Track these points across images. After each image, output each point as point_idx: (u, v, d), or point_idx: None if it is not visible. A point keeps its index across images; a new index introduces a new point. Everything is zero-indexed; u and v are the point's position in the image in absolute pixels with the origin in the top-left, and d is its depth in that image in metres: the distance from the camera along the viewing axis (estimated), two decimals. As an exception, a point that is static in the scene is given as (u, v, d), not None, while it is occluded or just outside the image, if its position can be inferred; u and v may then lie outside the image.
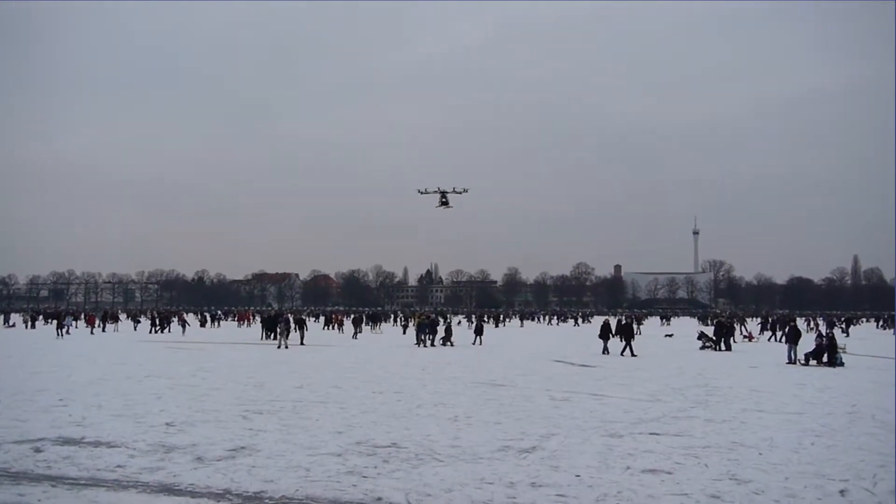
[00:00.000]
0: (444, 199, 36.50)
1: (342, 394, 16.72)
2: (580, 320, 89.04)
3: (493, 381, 19.56)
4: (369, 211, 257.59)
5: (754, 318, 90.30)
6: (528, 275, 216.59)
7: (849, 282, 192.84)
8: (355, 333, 52.32)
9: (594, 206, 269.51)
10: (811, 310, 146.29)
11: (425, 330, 35.00)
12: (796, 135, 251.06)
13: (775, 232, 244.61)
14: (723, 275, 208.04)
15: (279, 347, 32.70)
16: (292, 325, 37.17)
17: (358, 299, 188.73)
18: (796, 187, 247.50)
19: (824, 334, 27.07)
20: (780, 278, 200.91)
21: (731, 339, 34.94)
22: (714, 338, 34.53)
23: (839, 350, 26.05)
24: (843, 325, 60.67)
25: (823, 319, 79.76)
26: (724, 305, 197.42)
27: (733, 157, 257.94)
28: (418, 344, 34.64)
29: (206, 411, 13.88)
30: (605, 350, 29.69)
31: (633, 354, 28.45)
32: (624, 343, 29.52)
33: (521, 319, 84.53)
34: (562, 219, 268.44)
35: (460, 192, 36.66)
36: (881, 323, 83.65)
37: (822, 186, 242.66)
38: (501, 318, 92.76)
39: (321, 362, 25.96)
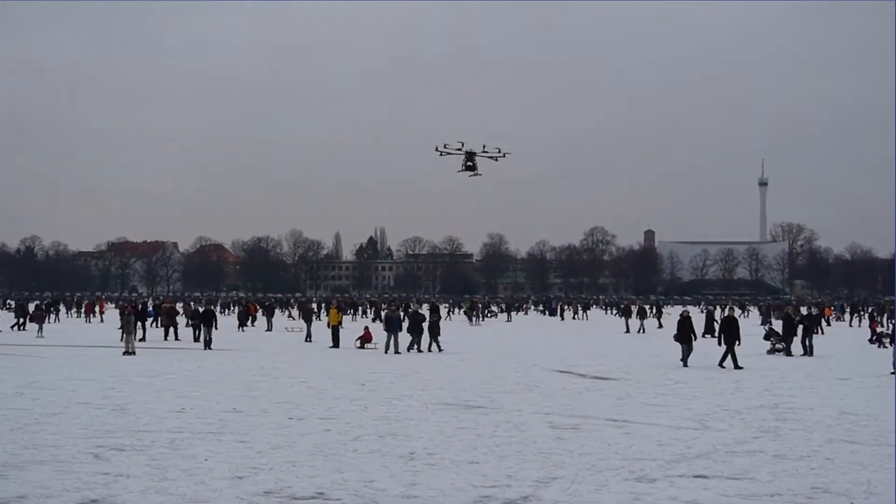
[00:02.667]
0: (470, 163, 38.24)
1: (244, 421, 16.73)
2: (599, 309, 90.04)
3: (468, 402, 19.74)
4: (290, 162, 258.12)
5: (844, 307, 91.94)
6: (519, 246, 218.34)
7: None
8: (269, 326, 53.11)
9: (611, 146, 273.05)
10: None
11: (395, 327, 35.19)
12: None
13: (878, 185, 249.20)
14: (802, 245, 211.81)
15: (126, 353, 32.41)
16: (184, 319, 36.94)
17: (266, 280, 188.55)
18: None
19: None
20: (885, 251, 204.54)
21: (813, 336, 35.59)
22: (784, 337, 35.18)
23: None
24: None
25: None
26: (804, 290, 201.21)
27: (821, 74, 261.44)
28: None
29: (39, 447, 13.79)
30: (685, 361, 29.69)
31: (737, 365, 28.71)
32: (725, 347, 29.48)
33: (508, 311, 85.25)
34: (566, 166, 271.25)
35: (496, 158, 38.57)
36: None
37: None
38: (493, 308, 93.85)
39: (213, 374, 25.92)
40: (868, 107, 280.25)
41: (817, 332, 36.35)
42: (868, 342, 41.84)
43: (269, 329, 52.63)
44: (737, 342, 29.57)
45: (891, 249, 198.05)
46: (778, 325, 41.45)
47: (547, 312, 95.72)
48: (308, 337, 42.86)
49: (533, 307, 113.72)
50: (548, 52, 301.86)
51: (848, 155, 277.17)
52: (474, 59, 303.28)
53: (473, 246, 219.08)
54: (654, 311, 79.95)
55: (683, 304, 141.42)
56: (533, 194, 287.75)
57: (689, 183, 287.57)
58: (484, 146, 38.47)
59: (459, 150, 38.29)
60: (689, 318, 31.38)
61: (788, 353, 34.60)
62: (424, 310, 51.04)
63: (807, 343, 35.22)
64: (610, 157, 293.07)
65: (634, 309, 59.77)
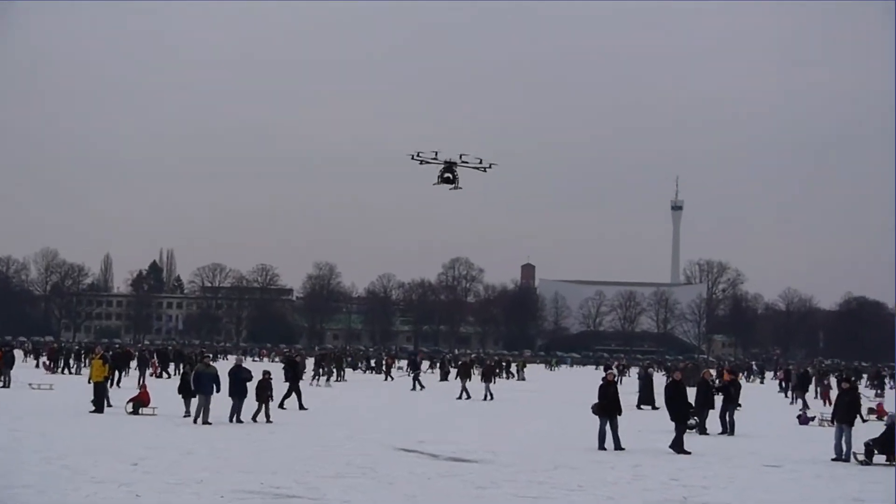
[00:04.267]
0: (449, 174, 41.61)
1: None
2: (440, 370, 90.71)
3: (278, 490, 19.56)
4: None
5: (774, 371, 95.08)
6: (356, 280, 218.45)
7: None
8: (5, 382, 51.74)
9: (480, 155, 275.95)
10: (882, 360, 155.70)
11: (208, 388, 34.54)
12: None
13: (827, 216, 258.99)
14: (724, 290, 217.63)
15: None
16: None
17: (4, 317, 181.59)
18: (856, 135, 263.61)
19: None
20: (828, 300, 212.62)
21: (732, 412, 36.56)
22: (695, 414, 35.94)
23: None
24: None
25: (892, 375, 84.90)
26: (725, 348, 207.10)
27: (743, 68, 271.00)
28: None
29: None
30: (603, 442, 29.87)
31: (680, 448, 29.11)
32: (676, 426, 29.78)
33: (354, 366, 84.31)
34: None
35: (485, 169, 42.13)
36: None
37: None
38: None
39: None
40: (823, 113, 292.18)
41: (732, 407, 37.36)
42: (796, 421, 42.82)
43: (7, 385, 51.15)
44: (692, 418, 30.16)
45: (835, 299, 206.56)
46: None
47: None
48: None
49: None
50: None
51: (789, 173, 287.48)
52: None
53: (294, 279, 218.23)
54: (515, 368, 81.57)
55: (571, 362, 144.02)
56: (378, 214, 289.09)
57: (580, 203, 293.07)
58: (462, 156, 41.66)
59: (435, 158, 41.33)
60: (615, 382, 31.85)
61: (703, 430, 35.23)
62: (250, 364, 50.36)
63: (727, 418, 36.17)
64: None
65: (478, 370, 60.47)
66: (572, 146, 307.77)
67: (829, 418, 31.99)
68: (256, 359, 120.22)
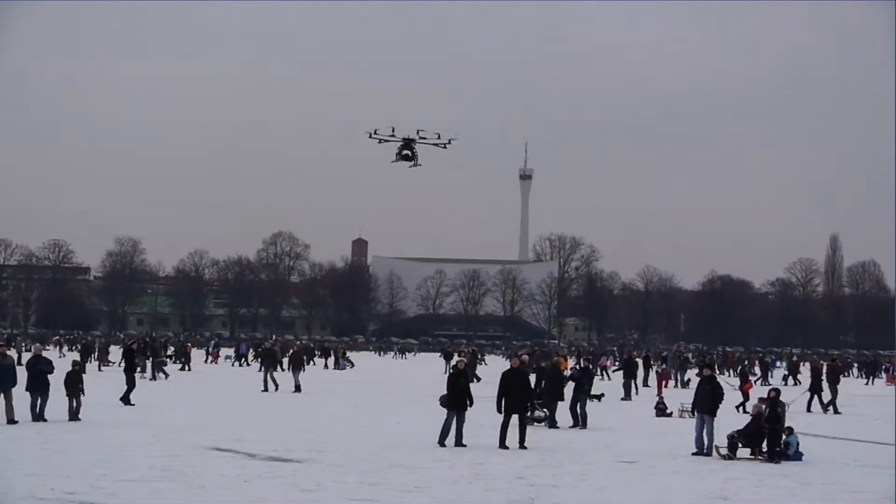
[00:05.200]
0: (408, 151, 47.76)
1: None
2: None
3: (71, 496, 19.27)
4: None
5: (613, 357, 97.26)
6: (164, 258, 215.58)
7: (819, 288, 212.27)
8: None
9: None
10: (747, 344, 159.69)
11: (8, 382, 33.48)
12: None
13: (691, 191, 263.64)
14: (577, 268, 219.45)
15: None
16: None
17: None
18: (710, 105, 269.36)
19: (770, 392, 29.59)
20: (690, 280, 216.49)
21: (584, 403, 37.05)
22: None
23: (788, 431, 28.66)
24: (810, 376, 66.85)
25: (774, 361, 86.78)
26: (578, 332, 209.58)
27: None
28: None
29: None
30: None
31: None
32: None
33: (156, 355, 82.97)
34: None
35: (444, 145, 48.52)
36: (875, 370, 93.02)
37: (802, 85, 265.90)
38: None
39: None
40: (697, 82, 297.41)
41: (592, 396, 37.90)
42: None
43: None
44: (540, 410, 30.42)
45: (698, 278, 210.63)
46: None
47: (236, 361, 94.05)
48: None
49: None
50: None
51: (646, 141, 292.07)
52: None
53: (92, 256, 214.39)
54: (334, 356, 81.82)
55: (401, 350, 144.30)
56: (190, 184, 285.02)
57: (417, 171, 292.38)
58: (419, 132, 47.99)
59: (393, 135, 47.68)
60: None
61: (553, 423, 35.59)
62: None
63: (577, 409, 36.64)
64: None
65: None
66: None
67: (690, 408, 32.53)
68: (49, 347, 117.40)
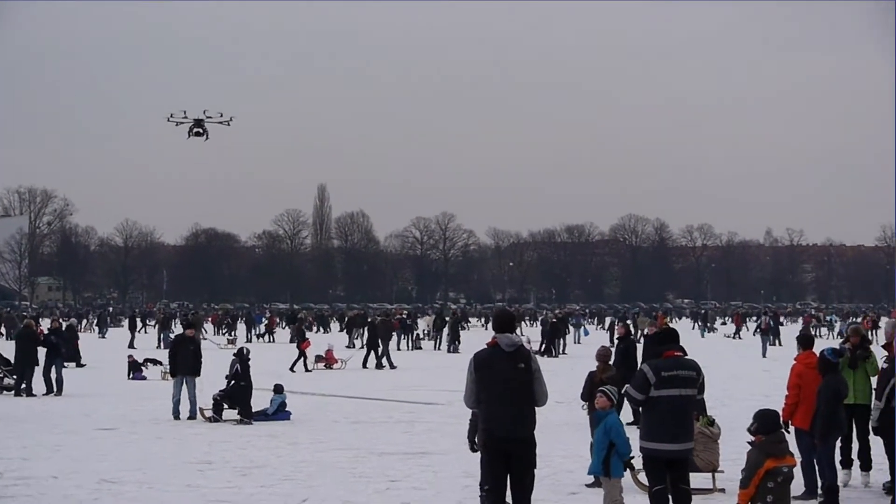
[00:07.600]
0: (199, 129, 63.27)
1: None
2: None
3: None
4: None
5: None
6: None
7: (308, 241, 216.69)
8: None
9: None
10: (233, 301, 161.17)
11: None
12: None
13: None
14: (49, 223, 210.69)
15: None
16: None
17: None
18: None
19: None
20: (175, 234, 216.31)
21: (60, 368, 35.56)
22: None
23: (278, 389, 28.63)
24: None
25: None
26: (53, 292, 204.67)
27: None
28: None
29: None
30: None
31: None
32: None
33: None
34: None
35: (228, 122, 64.58)
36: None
37: None
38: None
39: None
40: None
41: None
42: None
43: None
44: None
45: (182, 233, 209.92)
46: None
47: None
48: None
49: None
50: None
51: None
52: None
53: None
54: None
55: None
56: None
57: None
58: (205, 111, 63.98)
59: (185, 118, 62.97)
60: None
61: (29, 392, 34.43)
62: None
63: (52, 375, 35.21)
64: None
65: None
66: None
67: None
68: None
